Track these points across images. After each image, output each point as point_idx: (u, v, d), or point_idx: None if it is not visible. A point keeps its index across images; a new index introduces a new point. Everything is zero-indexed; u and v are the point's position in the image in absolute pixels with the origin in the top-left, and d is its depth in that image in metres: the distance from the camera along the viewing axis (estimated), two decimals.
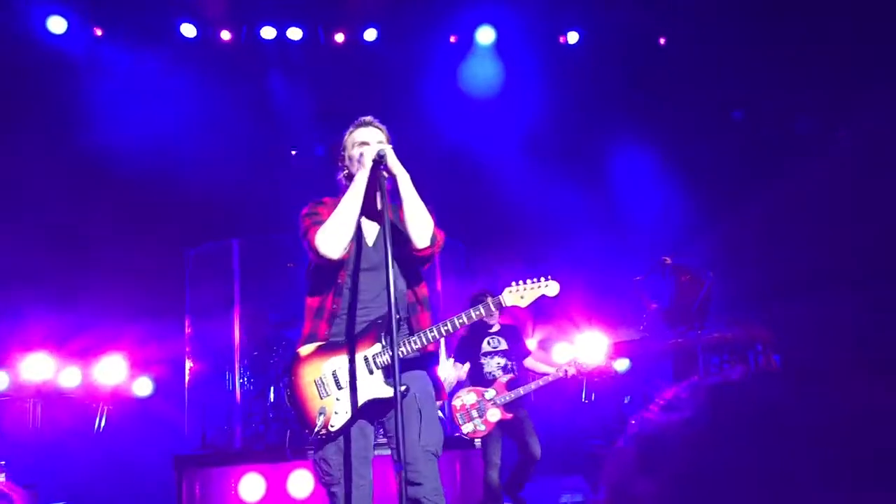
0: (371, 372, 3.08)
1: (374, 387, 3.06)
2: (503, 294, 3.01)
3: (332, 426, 3.06)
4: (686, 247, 9.14)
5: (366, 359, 3.09)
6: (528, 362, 6.21)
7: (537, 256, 9.30)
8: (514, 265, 9.23)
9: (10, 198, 8.82)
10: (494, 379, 5.95)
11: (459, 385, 6.11)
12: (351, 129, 3.39)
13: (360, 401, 3.08)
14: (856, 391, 0.79)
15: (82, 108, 8.98)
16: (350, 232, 3.17)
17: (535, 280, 3.08)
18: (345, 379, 3.11)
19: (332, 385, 3.11)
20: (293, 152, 9.16)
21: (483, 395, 5.90)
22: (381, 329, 3.09)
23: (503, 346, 6.08)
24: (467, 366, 6.05)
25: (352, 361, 3.11)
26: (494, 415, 5.86)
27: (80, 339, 9.04)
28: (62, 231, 8.93)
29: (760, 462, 0.73)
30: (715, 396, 0.81)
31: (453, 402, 6.01)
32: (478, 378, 5.95)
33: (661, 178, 9.96)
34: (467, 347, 6.08)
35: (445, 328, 3.06)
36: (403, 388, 2.91)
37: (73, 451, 8.52)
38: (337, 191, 3.36)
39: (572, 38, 10.27)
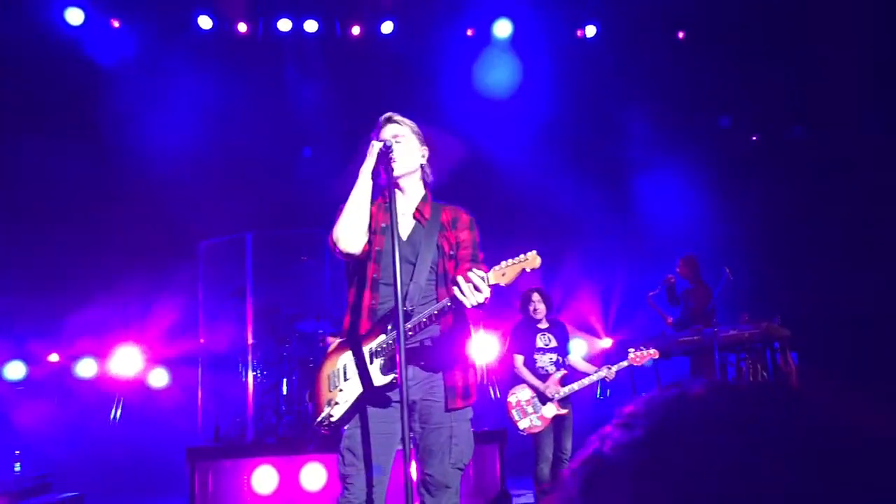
0: (371, 362, 3.07)
1: (372, 377, 3.06)
2: (488, 274, 2.88)
3: (331, 416, 3.08)
4: (702, 243, 9.06)
5: (371, 350, 3.09)
6: (571, 360, 6.26)
7: (551, 253, 9.22)
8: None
9: (24, 193, 8.85)
10: (547, 374, 5.99)
11: (513, 382, 6.13)
12: (376, 128, 3.35)
13: (358, 392, 3.09)
14: (825, 407, 0.73)
15: (97, 101, 9.00)
16: (361, 225, 3.15)
17: (515, 257, 2.94)
18: (350, 371, 3.13)
19: (340, 377, 3.14)
20: (306, 152, 9.07)
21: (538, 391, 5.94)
22: (388, 321, 3.07)
23: (553, 342, 6.14)
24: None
25: (359, 354, 3.12)
26: (550, 410, 5.89)
27: (96, 330, 9.10)
28: (77, 224, 8.96)
29: (710, 491, 0.67)
30: (670, 414, 0.75)
31: (508, 399, 6.03)
32: (532, 373, 5.99)
33: (678, 175, 9.86)
34: (521, 342, 6.12)
35: (432, 312, 2.99)
36: (394, 377, 2.98)
37: (87, 441, 8.57)
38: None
39: (590, 31, 10.19)
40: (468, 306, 2.84)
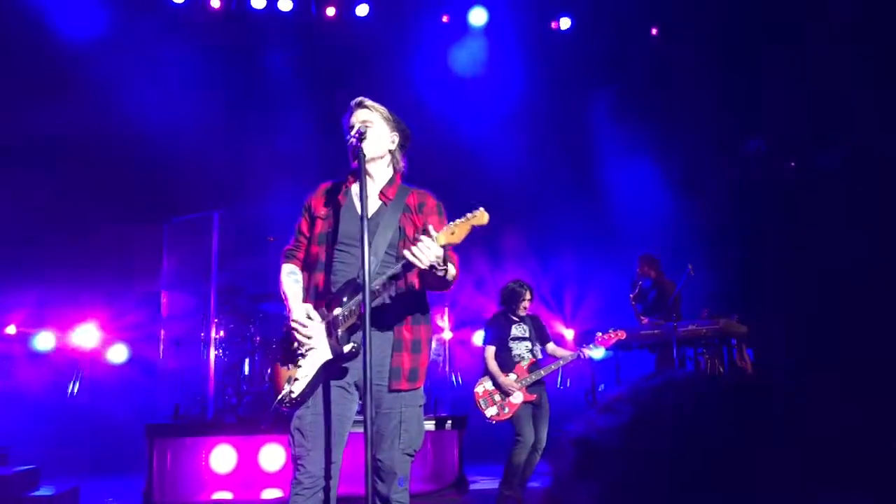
0: (330, 335, 3.09)
1: (328, 348, 3.07)
2: (438, 234, 2.91)
3: (292, 393, 3.06)
4: (667, 238, 9.17)
5: (328, 322, 3.10)
6: (550, 348, 6.32)
7: (518, 236, 9.32)
8: (495, 243, 9.29)
9: None
10: (521, 361, 6.05)
11: (480, 371, 6.17)
12: (348, 111, 3.36)
13: (318, 364, 3.08)
14: (805, 395, 0.79)
15: (66, 75, 8.85)
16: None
17: (463, 216, 2.97)
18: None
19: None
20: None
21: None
22: (343, 293, 3.10)
23: (528, 332, 6.20)
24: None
25: (321, 327, 3.12)
26: (517, 397, 5.94)
27: (58, 304, 8.99)
28: (42, 195, 8.82)
29: (698, 467, 0.71)
30: (656, 400, 0.79)
31: (476, 389, 6.08)
32: (506, 361, 6.04)
33: (645, 169, 9.96)
34: (498, 332, 6.16)
35: (383, 279, 3.02)
36: (353, 346, 3.03)
37: (44, 415, 8.48)
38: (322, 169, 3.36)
39: (564, 23, 10.24)
40: (423, 266, 2.87)
